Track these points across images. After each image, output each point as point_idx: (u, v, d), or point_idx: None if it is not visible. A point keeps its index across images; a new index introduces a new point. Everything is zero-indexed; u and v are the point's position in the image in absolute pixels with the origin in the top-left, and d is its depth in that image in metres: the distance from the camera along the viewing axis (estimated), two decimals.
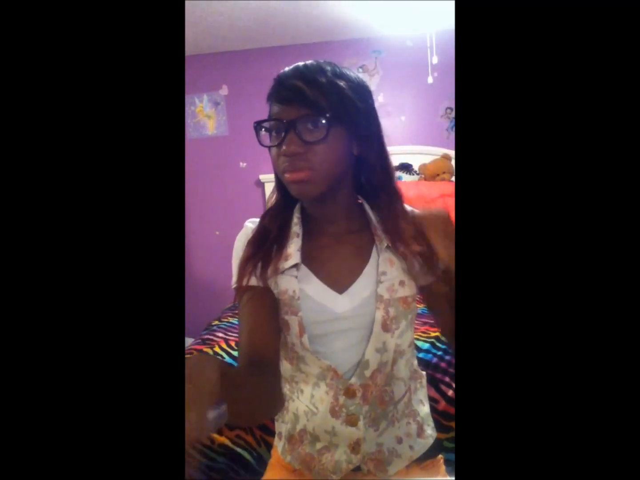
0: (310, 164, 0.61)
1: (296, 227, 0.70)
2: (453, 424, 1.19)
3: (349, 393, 0.66)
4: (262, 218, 0.72)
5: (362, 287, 0.66)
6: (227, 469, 1.23)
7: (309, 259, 0.68)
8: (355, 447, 0.67)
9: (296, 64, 0.64)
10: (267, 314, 0.66)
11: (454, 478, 0.42)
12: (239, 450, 1.22)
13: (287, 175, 0.62)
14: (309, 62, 0.64)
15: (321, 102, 0.60)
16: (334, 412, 0.67)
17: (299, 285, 0.66)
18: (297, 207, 0.72)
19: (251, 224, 0.73)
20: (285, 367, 0.72)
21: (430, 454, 0.74)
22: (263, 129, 0.64)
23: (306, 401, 0.69)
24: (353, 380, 0.66)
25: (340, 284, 0.67)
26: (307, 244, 0.69)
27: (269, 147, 0.64)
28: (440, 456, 0.77)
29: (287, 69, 0.64)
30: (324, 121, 0.60)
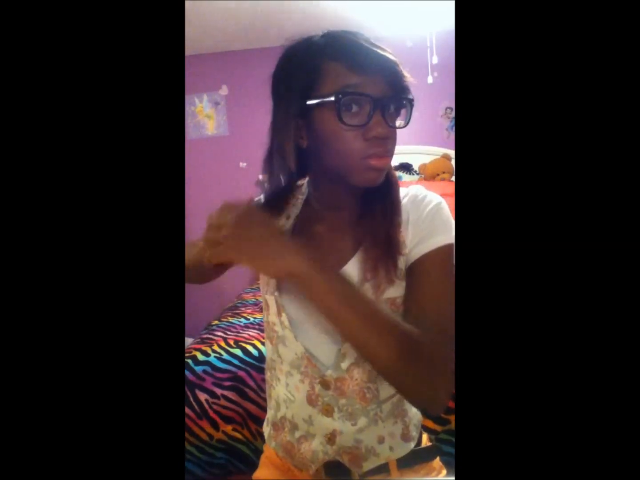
0: (391, 151, 0.57)
1: (294, 209, 0.69)
2: (450, 417, 1.20)
3: (324, 384, 0.65)
4: (269, 200, 0.69)
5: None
6: (226, 463, 1.24)
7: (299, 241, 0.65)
8: (331, 438, 0.66)
9: (342, 31, 0.56)
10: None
11: (453, 478, 0.42)
12: (235, 444, 1.22)
13: (372, 162, 0.56)
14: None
15: (408, 80, 0.55)
16: (310, 400, 0.65)
17: None
18: (304, 189, 0.70)
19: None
20: (267, 348, 0.72)
21: (425, 458, 0.71)
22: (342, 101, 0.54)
23: (283, 389, 0.69)
24: (329, 372, 0.64)
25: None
26: (299, 228, 0.67)
27: (350, 127, 0.55)
28: (436, 460, 0.73)
29: (336, 31, 0.56)
30: (409, 104, 0.56)
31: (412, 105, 0.57)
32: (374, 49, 0.56)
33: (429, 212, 0.63)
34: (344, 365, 0.64)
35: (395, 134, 0.58)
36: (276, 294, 0.65)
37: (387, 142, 0.57)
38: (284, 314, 0.65)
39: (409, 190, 0.67)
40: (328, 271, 0.53)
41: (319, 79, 0.56)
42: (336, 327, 0.55)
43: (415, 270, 0.62)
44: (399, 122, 0.58)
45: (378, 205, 0.64)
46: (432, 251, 0.60)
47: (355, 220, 0.66)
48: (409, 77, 0.56)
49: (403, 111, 0.58)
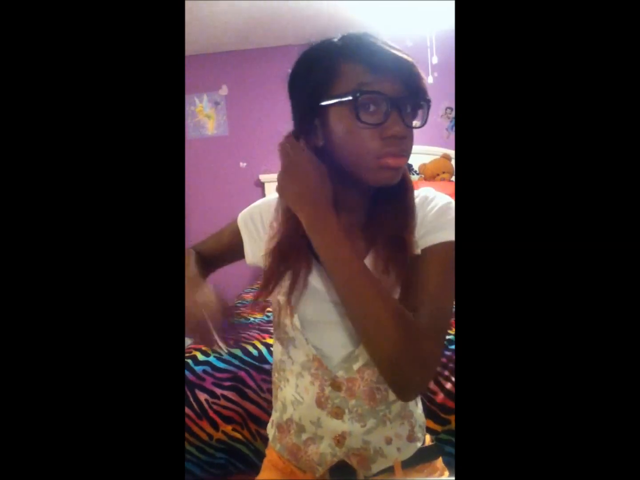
0: (408, 151, 0.58)
1: None
2: (450, 417, 1.20)
3: (335, 385, 0.65)
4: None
5: None
6: (226, 463, 1.24)
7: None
8: (340, 440, 0.66)
9: (360, 33, 0.58)
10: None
11: (453, 478, 0.42)
12: (235, 444, 1.22)
13: (389, 161, 0.57)
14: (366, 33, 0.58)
15: (424, 81, 0.57)
16: (319, 403, 0.66)
17: None
18: None
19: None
20: (276, 349, 0.72)
21: (428, 457, 0.71)
22: (359, 100, 0.55)
23: (292, 390, 0.69)
24: (340, 373, 0.64)
25: None
26: None
27: (367, 125, 0.56)
28: (439, 461, 0.74)
29: (353, 33, 0.58)
30: (425, 104, 0.57)
31: (429, 106, 0.58)
32: (392, 50, 0.57)
33: (437, 211, 0.63)
34: (356, 366, 0.64)
35: (412, 134, 0.59)
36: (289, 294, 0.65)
37: (404, 142, 0.58)
38: (295, 315, 0.65)
39: (420, 192, 0.68)
40: (336, 230, 0.57)
41: (336, 79, 0.57)
42: (338, 286, 0.58)
43: (415, 263, 0.62)
44: (415, 122, 0.59)
45: (390, 207, 0.64)
46: (434, 245, 0.61)
47: (367, 222, 0.66)
48: (426, 79, 0.58)
49: (420, 112, 0.59)
